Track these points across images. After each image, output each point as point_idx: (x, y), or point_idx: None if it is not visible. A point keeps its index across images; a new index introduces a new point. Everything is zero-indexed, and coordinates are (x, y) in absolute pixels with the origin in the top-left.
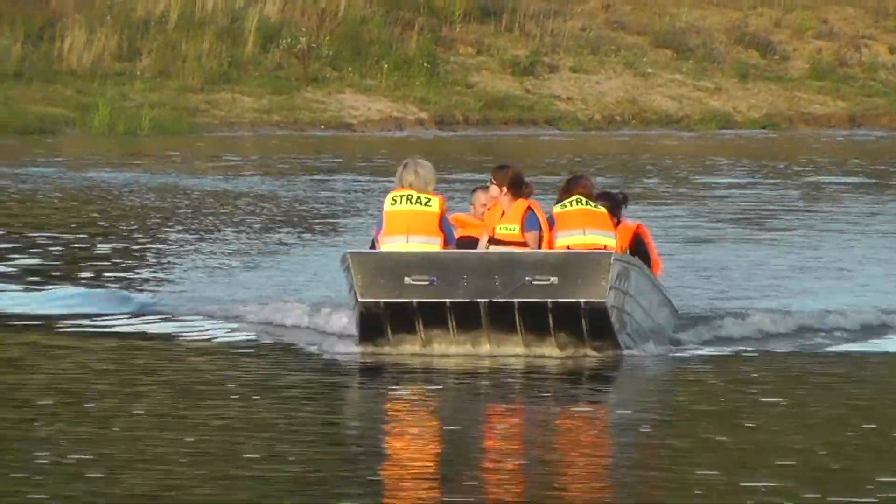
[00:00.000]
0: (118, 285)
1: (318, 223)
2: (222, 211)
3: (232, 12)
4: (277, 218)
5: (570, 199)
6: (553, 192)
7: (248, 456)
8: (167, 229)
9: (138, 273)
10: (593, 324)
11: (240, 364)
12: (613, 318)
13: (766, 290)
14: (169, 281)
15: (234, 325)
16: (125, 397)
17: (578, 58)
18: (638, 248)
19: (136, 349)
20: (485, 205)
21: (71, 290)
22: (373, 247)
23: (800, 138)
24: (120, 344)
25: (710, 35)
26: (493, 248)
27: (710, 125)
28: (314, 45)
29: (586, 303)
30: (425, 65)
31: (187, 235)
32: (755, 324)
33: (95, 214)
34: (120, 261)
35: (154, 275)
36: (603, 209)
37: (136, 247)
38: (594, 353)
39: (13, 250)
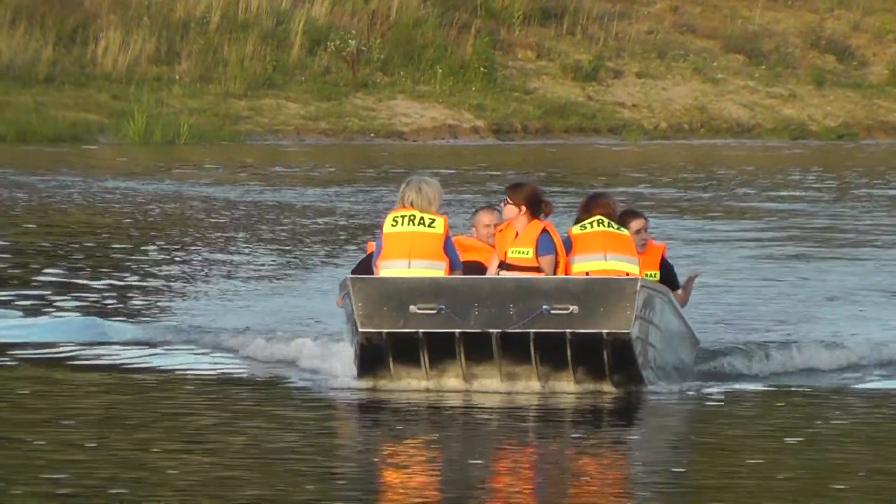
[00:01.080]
0: (111, 309)
1: (359, 239)
2: (256, 225)
3: (277, 14)
4: (314, 234)
5: (590, 220)
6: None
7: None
8: (190, 246)
9: (138, 297)
10: (615, 357)
11: (225, 400)
12: (637, 351)
13: (813, 319)
14: (171, 307)
15: (225, 358)
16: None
17: (644, 63)
18: (667, 271)
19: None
20: (488, 226)
21: (51, 318)
22: (366, 268)
23: (878, 148)
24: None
25: (784, 39)
26: (504, 274)
27: (783, 134)
28: (364, 49)
29: (609, 334)
30: (482, 70)
31: (210, 254)
32: (795, 358)
33: (109, 229)
34: (123, 282)
35: (158, 300)
36: (626, 232)
37: (147, 266)
38: (614, 390)
39: (8, 264)
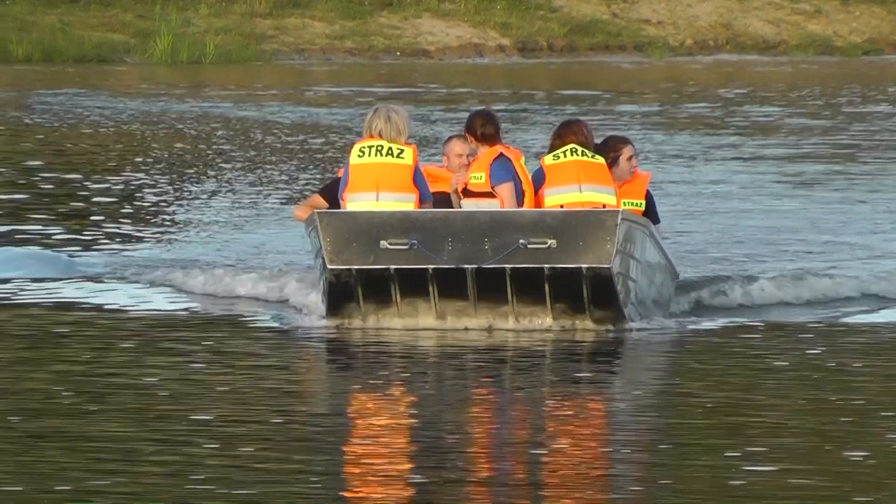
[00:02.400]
0: (90, 241)
1: None
2: (265, 146)
3: None
4: (326, 156)
5: (562, 149)
6: (642, 126)
7: (201, 446)
8: (188, 171)
9: (119, 226)
10: (596, 292)
11: (185, 342)
12: (619, 286)
13: (799, 250)
14: (146, 239)
15: (179, 296)
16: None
17: None
18: (649, 203)
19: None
20: (460, 155)
21: (21, 249)
22: (332, 193)
23: None
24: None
25: None
26: (463, 202)
27: (808, 50)
28: None
29: (589, 268)
30: None
31: (207, 181)
32: (768, 291)
33: (115, 151)
34: (109, 208)
35: (132, 230)
36: (601, 160)
37: (138, 191)
38: (594, 326)
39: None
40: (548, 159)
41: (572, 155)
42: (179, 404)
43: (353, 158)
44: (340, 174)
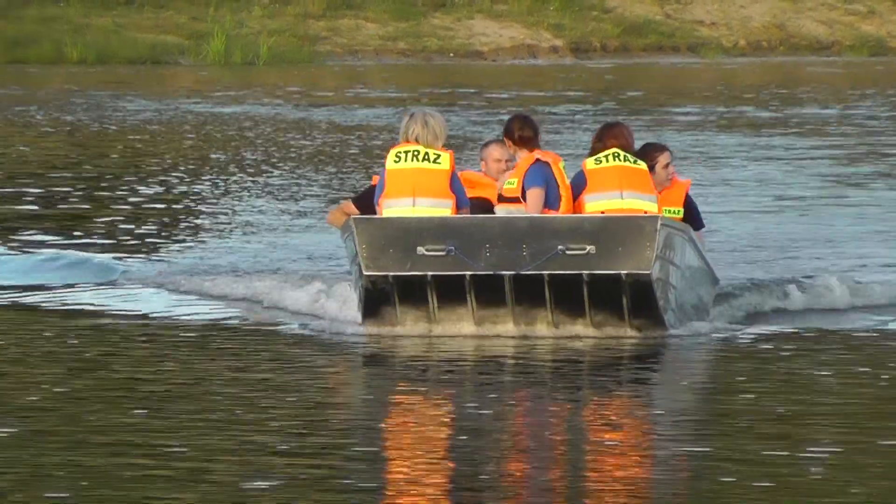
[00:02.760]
0: (117, 246)
1: None
2: (311, 148)
3: None
4: (371, 158)
5: (605, 153)
6: (695, 128)
7: (229, 456)
8: (226, 175)
9: (150, 230)
10: (635, 299)
11: (216, 349)
12: (658, 293)
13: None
14: (188, 244)
15: (214, 303)
16: None
17: None
18: (690, 209)
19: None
20: (499, 160)
21: (49, 252)
22: (368, 201)
23: None
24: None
25: None
26: (499, 208)
27: (861, 51)
28: None
29: (628, 275)
30: None
31: (244, 184)
32: (821, 296)
33: (158, 154)
34: (142, 210)
35: (174, 234)
36: (643, 165)
37: (172, 193)
38: (635, 334)
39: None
40: (589, 163)
41: (614, 160)
42: (236, 406)
43: (390, 163)
44: (374, 182)
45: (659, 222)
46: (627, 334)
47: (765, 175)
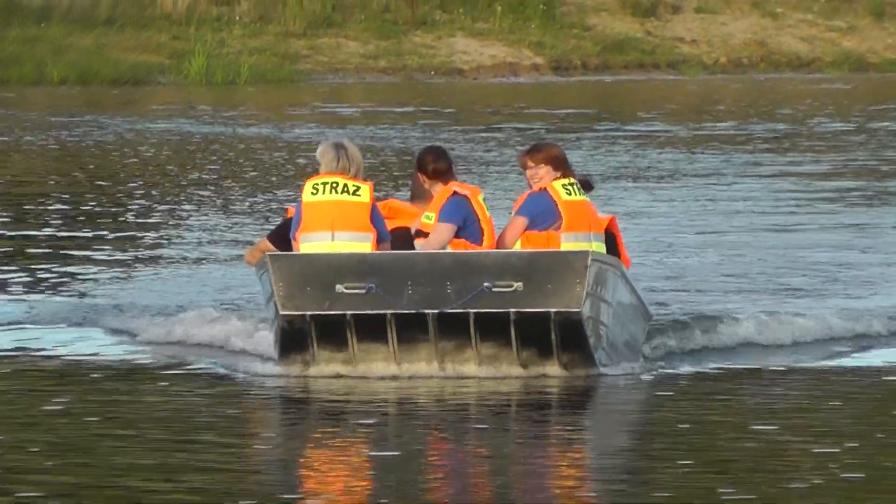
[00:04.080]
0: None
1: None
2: (273, 167)
3: None
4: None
5: (570, 182)
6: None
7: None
8: (178, 200)
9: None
10: (565, 338)
11: (127, 391)
12: (589, 331)
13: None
14: (95, 277)
15: (127, 343)
16: None
17: None
18: (609, 245)
19: None
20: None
21: None
22: (282, 236)
23: None
24: None
25: None
26: (417, 242)
27: (842, 67)
28: None
29: (557, 313)
30: (541, 6)
31: (191, 209)
32: (744, 331)
33: (124, 172)
34: (62, 240)
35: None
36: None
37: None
38: (564, 373)
39: None
40: (560, 191)
41: (580, 194)
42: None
43: (306, 196)
44: (290, 214)
45: (589, 258)
46: (556, 374)
47: (721, 196)
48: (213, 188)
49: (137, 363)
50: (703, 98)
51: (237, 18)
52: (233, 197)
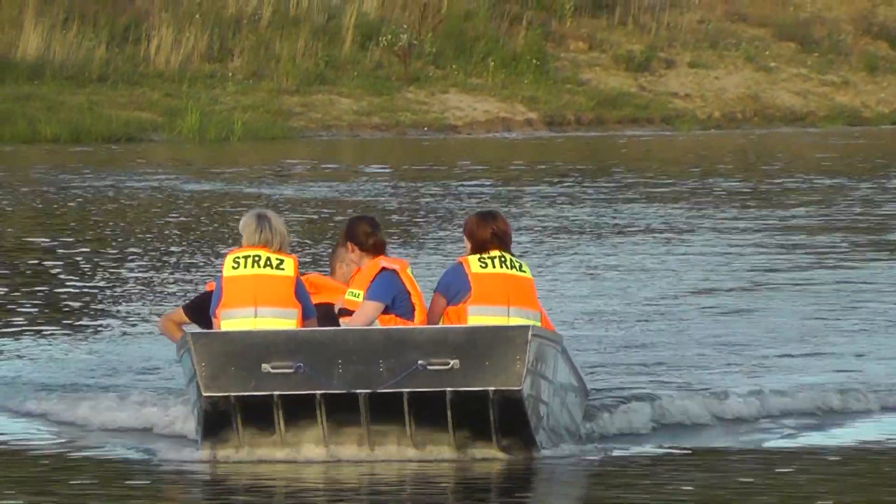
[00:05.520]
0: None
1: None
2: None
3: (328, 9)
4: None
5: (490, 255)
6: (668, 201)
7: None
8: (139, 261)
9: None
10: (504, 418)
11: (26, 479)
12: (530, 411)
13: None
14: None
15: (31, 426)
16: None
17: (697, 52)
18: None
19: None
20: (350, 264)
21: None
22: (200, 308)
23: None
24: None
25: (835, 26)
26: (342, 321)
27: (836, 121)
28: (416, 43)
29: (496, 391)
30: (534, 62)
31: (149, 273)
32: (679, 408)
33: (95, 230)
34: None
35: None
36: (528, 273)
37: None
38: (502, 455)
39: None
40: (474, 264)
41: (501, 266)
42: None
43: (227, 270)
44: (210, 288)
45: (530, 333)
46: (495, 456)
47: (693, 254)
48: (165, 244)
49: (49, 450)
50: (695, 153)
51: (230, 75)
52: (181, 255)
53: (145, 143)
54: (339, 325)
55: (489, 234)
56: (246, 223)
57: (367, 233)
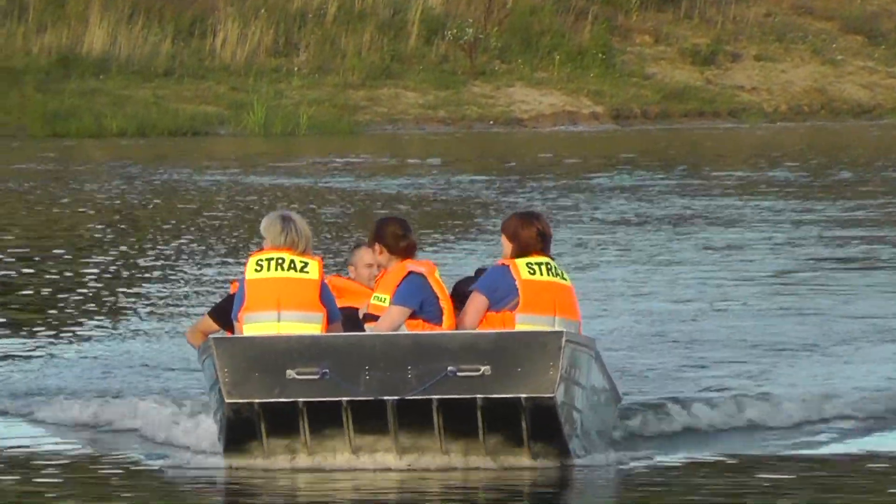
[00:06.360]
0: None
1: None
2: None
3: (394, 4)
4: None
5: (537, 262)
6: (733, 192)
7: None
8: (185, 255)
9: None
10: (536, 425)
11: (50, 485)
12: (563, 419)
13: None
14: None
15: (54, 430)
16: None
17: (763, 45)
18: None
19: None
20: (371, 265)
21: None
22: (225, 312)
23: None
24: None
25: None
26: (367, 326)
27: None
28: (481, 37)
29: (528, 399)
30: (600, 56)
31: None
32: (736, 415)
33: (152, 227)
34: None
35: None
36: (570, 282)
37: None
38: (535, 463)
39: None
40: (522, 269)
41: (549, 274)
42: None
43: (250, 273)
44: (234, 289)
45: (563, 338)
46: (527, 464)
47: (749, 249)
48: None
49: (61, 453)
50: (764, 146)
51: (295, 69)
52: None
53: (211, 137)
54: (363, 331)
55: (534, 235)
56: (270, 224)
57: (397, 235)
